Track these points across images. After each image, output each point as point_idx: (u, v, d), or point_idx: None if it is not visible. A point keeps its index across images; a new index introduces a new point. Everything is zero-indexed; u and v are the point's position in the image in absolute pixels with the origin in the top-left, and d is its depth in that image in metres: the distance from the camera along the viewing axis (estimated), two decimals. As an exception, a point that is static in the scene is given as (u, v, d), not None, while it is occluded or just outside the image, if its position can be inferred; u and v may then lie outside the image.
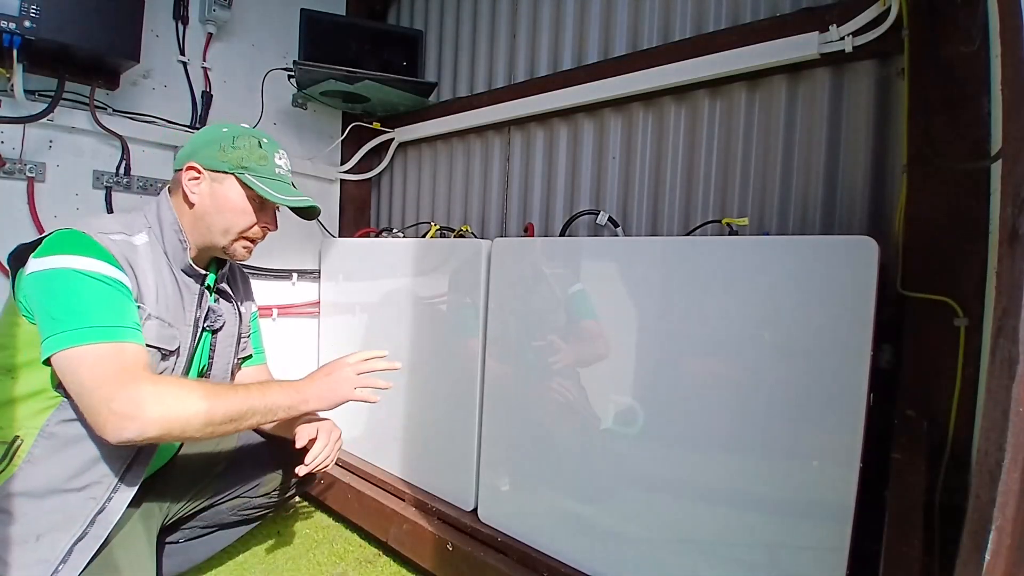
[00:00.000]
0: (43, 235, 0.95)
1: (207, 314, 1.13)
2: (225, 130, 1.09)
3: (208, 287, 1.15)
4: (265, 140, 1.11)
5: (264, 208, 1.10)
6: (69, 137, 1.54)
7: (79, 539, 0.92)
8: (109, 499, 0.96)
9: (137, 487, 1.00)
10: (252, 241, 1.12)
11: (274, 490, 1.28)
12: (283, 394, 1.02)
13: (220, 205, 1.06)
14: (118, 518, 0.97)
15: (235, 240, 1.08)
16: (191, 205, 1.07)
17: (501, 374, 1.38)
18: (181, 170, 1.07)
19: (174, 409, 0.88)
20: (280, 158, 1.11)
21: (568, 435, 1.25)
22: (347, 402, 1.09)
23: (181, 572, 1.24)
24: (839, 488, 0.90)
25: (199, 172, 1.06)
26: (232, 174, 1.06)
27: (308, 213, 1.17)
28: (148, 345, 0.97)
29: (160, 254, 1.05)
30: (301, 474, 1.10)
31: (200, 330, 1.12)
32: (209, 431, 0.92)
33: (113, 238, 0.97)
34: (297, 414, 1.07)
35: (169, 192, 1.09)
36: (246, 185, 1.05)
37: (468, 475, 1.43)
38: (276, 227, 1.15)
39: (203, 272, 1.12)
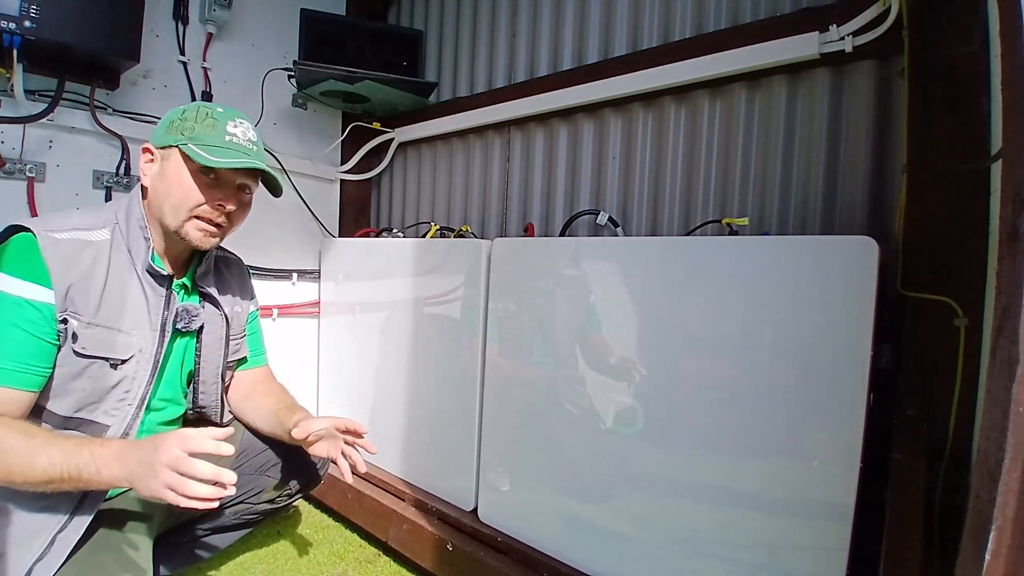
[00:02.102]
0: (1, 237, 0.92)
1: (177, 316, 1.05)
2: (184, 107, 1.02)
3: (185, 285, 1.09)
4: (220, 110, 1.02)
5: (220, 184, 1.00)
6: (69, 137, 1.53)
7: (40, 558, 0.88)
8: (71, 518, 0.92)
9: (99, 505, 0.96)
10: (209, 222, 1.00)
11: (276, 496, 1.27)
12: (95, 470, 0.85)
13: (167, 182, 0.98)
14: (79, 536, 0.92)
15: (186, 220, 0.98)
16: (146, 191, 1.00)
17: (501, 374, 1.38)
18: None
19: None
20: (235, 126, 1.00)
21: (568, 435, 1.25)
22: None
23: (180, 572, 1.24)
24: (839, 488, 0.90)
25: (152, 153, 1.00)
26: (176, 146, 0.97)
27: (274, 188, 1.09)
28: (88, 356, 0.93)
29: (121, 251, 0.98)
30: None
31: (170, 333, 1.04)
32: (25, 489, 0.85)
33: (59, 236, 0.91)
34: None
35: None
36: (188, 157, 0.96)
37: (468, 475, 1.43)
38: (238, 206, 1.03)
39: (165, 272, 1.02)
